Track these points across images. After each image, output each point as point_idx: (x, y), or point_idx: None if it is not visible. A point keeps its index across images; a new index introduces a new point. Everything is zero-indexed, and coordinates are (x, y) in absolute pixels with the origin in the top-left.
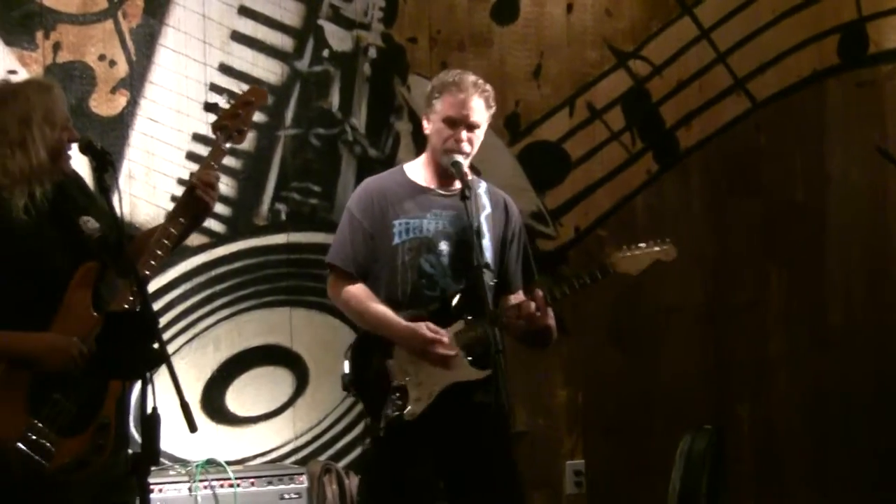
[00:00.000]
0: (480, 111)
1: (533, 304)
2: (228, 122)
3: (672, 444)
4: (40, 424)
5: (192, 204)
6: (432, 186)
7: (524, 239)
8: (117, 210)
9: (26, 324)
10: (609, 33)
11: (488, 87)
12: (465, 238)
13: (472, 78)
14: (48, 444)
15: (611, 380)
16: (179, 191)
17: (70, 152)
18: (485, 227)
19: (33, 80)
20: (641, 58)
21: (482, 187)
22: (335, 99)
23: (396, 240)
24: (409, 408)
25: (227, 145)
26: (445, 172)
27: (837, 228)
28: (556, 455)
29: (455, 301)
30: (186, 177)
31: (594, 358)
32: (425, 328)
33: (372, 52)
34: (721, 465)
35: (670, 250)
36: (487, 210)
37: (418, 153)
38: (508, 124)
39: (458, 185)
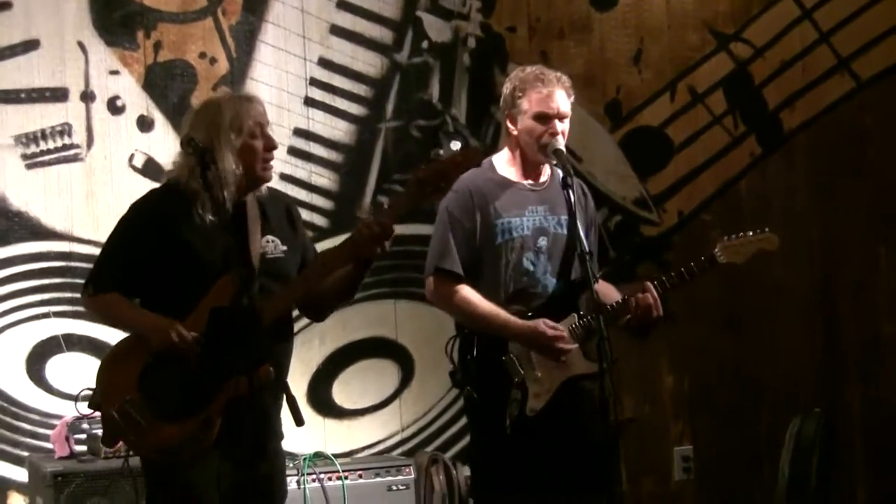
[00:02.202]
0: (565, 102)
1: (650, 296)
2: (427, 176)
3: (781, 428)
4: (141, 401)
5: (352, 249)
6: (524, 182)
7: (598, 222)
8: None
9: (165, 312)
10: (709, 16)
11: (566, 77)
12: (561, 231)
13: (551, 72)
14: (142, 421)
15: (718, 364)
16: (281, 187)
17: (271, 161)
18: (579, 217)
19: (232, 92)
20: (743, 40)
21: (560, 175)
22: (435, 90)
23: (499, 239)
24: (530, 403)
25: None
26: (535, 167)
27: None
28: (664, 441)
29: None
30: (289, 172)
31: (701, 343)
32: (545, 326)
33: (471, 42)
34: (831, 449)
35: (773, 239)
36: (573, 198)
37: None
38: (609, 111)
39: (544, 178)
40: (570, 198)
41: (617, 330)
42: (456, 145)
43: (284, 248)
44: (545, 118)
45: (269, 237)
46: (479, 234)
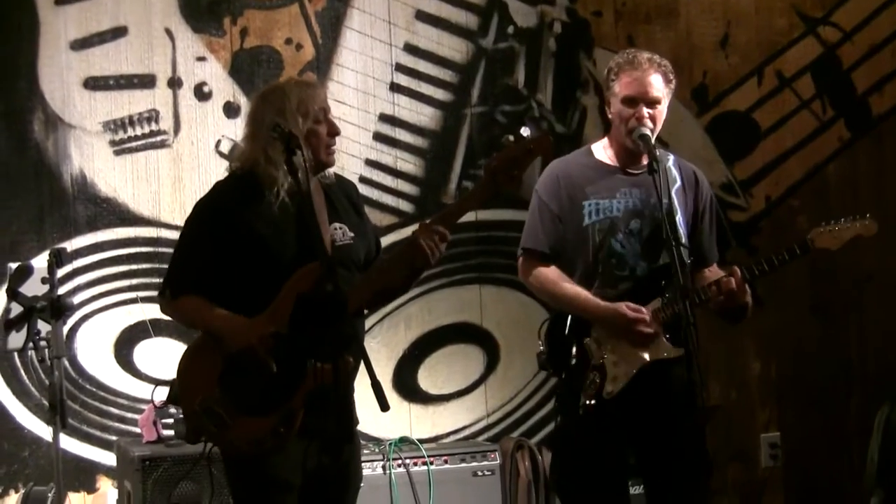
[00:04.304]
0: (659, 87)
1: (733, 281)
2: (499, 164)
3: (870, 415)
4: (224, 397)
5: (411, 253)
6: (619, 166)
7: (716, 209)
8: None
9: (245, 306)
10: (797, 0)
11: (665, 61)
12: (656, 215)
13: (646, 55)
14: (225, 417)
15: (806, 350)
16: (367, 173)
17: (334, 146)
18: (676, 202)
19: (295, 77)
20: (831, 24)
21: (670, 160)
22: (521, 75)
23: (587, 221)
24: (607, 387)
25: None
26: (631, 151)
27: None
28: (751, 428)
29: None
30: (374, 158)
31: (789, 329)
32: (625, 308)
33: (557, 27)
34: None
35: (871, 225)
36: (678, 183)
37: (605, 128)
38: (696, 95)
39: (645, 162)
40: (657, 183)
41: (707, 314)
42: (526, 132)
43: (352, 234)
44: (632, 102)
45: (337, 224)
46: (566, 217)
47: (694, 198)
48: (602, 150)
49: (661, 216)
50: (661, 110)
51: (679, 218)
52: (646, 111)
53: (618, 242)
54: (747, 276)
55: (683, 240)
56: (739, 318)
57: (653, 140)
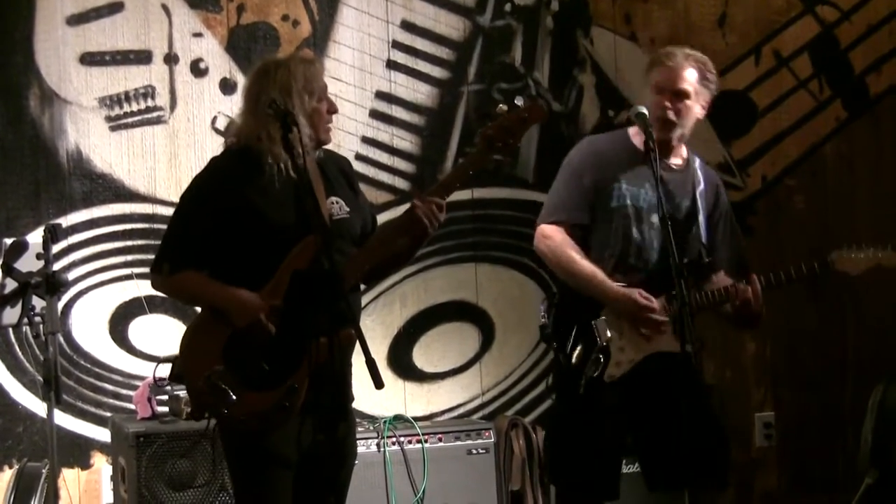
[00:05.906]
0: (690, 80)
1: (750, 290)
2: (495, 133)
3: (864, 395)
4: (228, 372)
5: (410, 223)
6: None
7: (733, 222)
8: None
9: (244, 280)
10: None
11: (704, 58)
12: (677, 216)
13: (687, 50)
14: (230, 392)
15: (801, 331)
16: (363, 150)
17: (330, 124)
18: (700, 203)
19: (297, 53)
20: (829, 3)
21: (697, 162)
22: (518, 53)
23: (614, 203)
24: (609, 370)
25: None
26: (660, 143)
27: None
28: (746, 408)
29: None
30: (371, 135)
31: (784, 309)
32: (638, 295)
33: (554, 5)
34: None
35: (893, 257)
36: (701, 186)
37: (602, 106)
38: None
39: (677, 160)
40: (654, 169)
41: (718, 318)
42: (520, 101)
43: (348, 208)
44: (660, 91)
45: (333, 198)
46: (595, 193)
47: (714, 204)
48: (637, 137)
49: (659, 197)
50: (689, 105)
51: (701, 218)
52: (670, 102)
53: (638, 233)
54: (763, 285)
55: (703, 239)
56: (751, 326)
57: (676, 133)
